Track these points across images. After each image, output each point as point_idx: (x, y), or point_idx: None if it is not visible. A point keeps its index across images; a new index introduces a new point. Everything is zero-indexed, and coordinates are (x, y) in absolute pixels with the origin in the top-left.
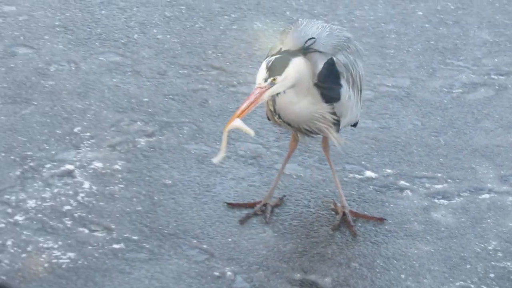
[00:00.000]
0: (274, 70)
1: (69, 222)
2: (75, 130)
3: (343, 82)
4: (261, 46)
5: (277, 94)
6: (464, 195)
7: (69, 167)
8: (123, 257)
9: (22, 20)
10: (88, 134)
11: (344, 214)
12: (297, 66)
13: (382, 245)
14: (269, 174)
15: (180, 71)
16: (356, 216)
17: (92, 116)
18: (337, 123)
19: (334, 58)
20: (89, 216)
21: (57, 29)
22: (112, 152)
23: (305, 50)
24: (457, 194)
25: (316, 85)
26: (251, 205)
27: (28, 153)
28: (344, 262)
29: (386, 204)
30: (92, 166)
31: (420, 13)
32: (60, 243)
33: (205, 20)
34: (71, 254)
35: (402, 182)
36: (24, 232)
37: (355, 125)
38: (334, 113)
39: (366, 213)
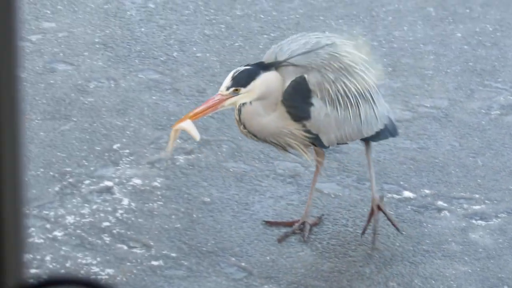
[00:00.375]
0: (238, 81)
1: (108, 239)
2: (114, 146)
3: (315, 100)
4: None
5: (243, 104)
6: (501, 216)
7: (108, 183)
8: (162, 274)
9: (61, 36)
10: (127, 151)
11: (372, 210)
12: (266, 81)
13: (420, 265)
14: (307, 193)
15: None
16: (382, 211)
17: (131, 133)
18: (315, 140)
19: (306, 76)
20: (128, 232)
21: (97, 46)
22: (151, 169)
23: (278, 64)
24: (495, 215)
25: (282, 102)
26: (290, 224)
27: (67, 169)
28: (382, 282)
29: (424, 224)
30: (131, 183)
31: (459, 34)
32: (98, 259)
33: (244, 39)
34: (110, 270)
35: (440, 203)
36: (63, 248)
37: (371, 139)
38: (308, 131)
39: (392, 214)
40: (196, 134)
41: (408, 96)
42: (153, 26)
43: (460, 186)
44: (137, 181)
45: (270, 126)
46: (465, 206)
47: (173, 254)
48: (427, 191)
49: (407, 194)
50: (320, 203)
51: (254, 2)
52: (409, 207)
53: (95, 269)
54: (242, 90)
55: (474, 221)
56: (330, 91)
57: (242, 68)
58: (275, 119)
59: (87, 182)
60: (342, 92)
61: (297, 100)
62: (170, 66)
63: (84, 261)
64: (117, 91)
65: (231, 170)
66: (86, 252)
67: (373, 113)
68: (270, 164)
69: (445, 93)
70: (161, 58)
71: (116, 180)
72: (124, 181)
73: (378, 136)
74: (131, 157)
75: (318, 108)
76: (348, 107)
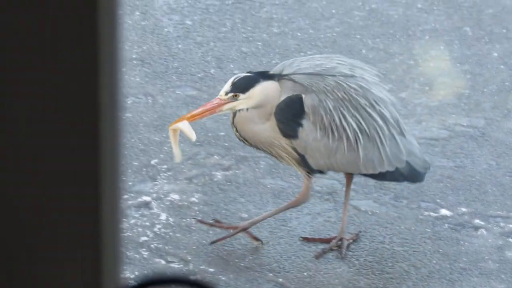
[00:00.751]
0: (238, 87)
1: (146, 253)
2: (152, 162)
3: (305, 122)
4: None
5: (239, 110)
6: None
7: (146, 198)
8: None
9: None
10: (165, 166)
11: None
12: (265, 89)
13: (456, 283)
14: None
15: None
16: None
17: (169, 149)
18: (302, 160)
19: (303, 96)
20: (166, 247)
21: (134, 62)
22: (189, 184)
23: (279, 77)
24: None
25: (274, 115)
26: (327, 240)
27: None
28: None
29: (461, 242)
30: (168, 198)
31: (496, 54)
32: (137, 273)
33: (281, 56)
34: None
35: (477, 221)
36: None
37: (375, 178)
38: (295, 149)
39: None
40: (192, 135)
41: (445, 115)
42: (190, 43)
43: (496, 204)
44: (174, 196)
45: (261, 135)
46: (502, 224)
47: (211, 269)
48: (464, 209)
49: (444, 212)
50: (358, 220)
51: (291, 20)
52: (446, 225)
53: (133, 283)
54: (241, 96)
55: (510, 240)
56: (324, 118)
57: (243, 74)
58: (268, 129)
59: (125, 196)
60: (338, 122)
61: (287, 117)
62: (207, 82)
63: (122, 275)
64: (154, 107)
65: (268, 186)
66: (125, 266)
67: (377, 153)
68: None
69: (482, 112)
70: (199, 75)
71: (154, 195)
72: (162, 196)
73: (384, 176)
74: (168, 173)
75: (307, 131)
76: (343, 139)
